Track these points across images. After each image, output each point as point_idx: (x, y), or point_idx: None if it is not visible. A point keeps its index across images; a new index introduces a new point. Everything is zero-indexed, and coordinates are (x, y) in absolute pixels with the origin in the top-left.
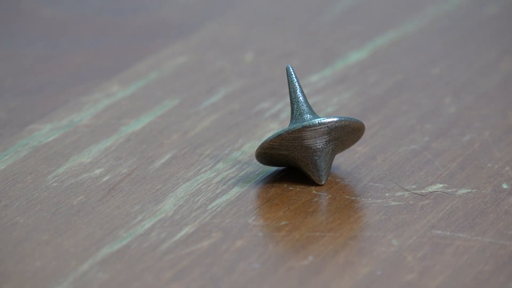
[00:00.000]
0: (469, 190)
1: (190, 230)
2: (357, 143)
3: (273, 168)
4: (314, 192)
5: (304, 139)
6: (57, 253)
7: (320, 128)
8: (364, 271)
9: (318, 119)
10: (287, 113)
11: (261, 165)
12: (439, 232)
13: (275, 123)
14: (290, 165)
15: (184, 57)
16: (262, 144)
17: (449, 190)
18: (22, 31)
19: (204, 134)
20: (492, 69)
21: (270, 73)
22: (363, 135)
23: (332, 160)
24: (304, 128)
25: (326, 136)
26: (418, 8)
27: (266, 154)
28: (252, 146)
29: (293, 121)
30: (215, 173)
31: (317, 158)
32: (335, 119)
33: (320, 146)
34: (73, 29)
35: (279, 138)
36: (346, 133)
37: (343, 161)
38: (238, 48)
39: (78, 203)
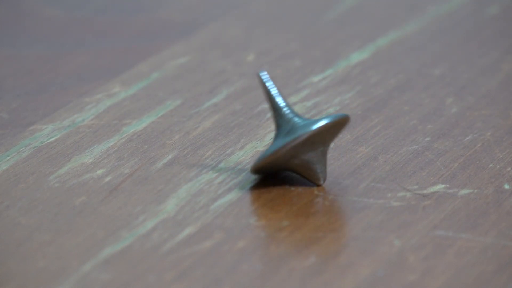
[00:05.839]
0: (471, 191)
1: (192, 230)
2: (359, 143)
3: None
4: (315, 192)
5: (296, 154)
6: (59, 254)
7: (304, 141)
8: (366, 272)
9: (298, 135)
10: None
11: None
12: (441, 232)
13: None
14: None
15: (186, 57)
16: (254, 164)
17: (451, 191)
18: (24, 31)
19: (206, 135)
20: (494, 70)
21: (271, 74)
22: (364, 135)
23: (326, 158)
24: (293, 144)
25: (314, 144)
26: (419, 9)
27: (260, 170)
28: (254, 147)
29: (282, 130)
30: (217, 174)
31: (312, 164)
32: (313, 128)
33: (313, 153)
34: (75, 30)
35: (271, 158)
36: (330, 129)
37: (345, 161)
38: (239, 49)
39: (80, 203)
